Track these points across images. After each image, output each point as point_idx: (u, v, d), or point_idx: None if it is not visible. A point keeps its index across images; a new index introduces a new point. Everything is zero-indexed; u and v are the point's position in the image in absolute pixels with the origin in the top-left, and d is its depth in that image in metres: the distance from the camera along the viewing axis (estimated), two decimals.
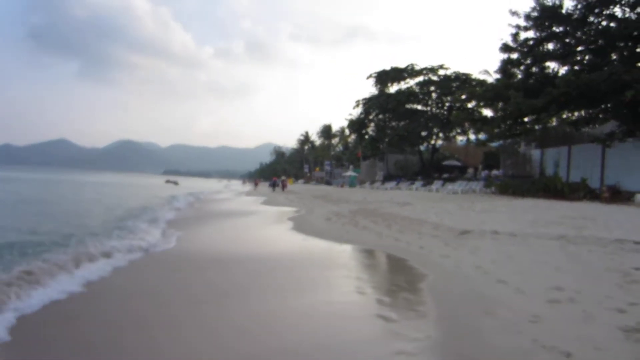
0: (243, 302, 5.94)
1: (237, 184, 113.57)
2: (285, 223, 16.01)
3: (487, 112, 31.66)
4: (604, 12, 22.05)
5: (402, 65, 47.86)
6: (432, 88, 46.64)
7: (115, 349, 4.36)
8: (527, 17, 24.08)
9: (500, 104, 26.09)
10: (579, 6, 22.44)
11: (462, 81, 44.41)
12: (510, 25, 25.10)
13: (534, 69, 25.27)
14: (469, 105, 41.07)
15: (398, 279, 7.39)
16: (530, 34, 24.74)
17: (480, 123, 30.25)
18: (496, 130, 26.86)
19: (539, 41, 24.47)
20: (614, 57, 21.93)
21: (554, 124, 26.77)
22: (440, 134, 48.01)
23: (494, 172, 34.73)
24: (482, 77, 34.44)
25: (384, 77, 48.70)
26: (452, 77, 45.57)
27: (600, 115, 22.57)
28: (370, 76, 49.78)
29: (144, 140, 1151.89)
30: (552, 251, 8.14)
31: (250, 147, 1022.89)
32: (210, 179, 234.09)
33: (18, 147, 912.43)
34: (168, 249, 10.23)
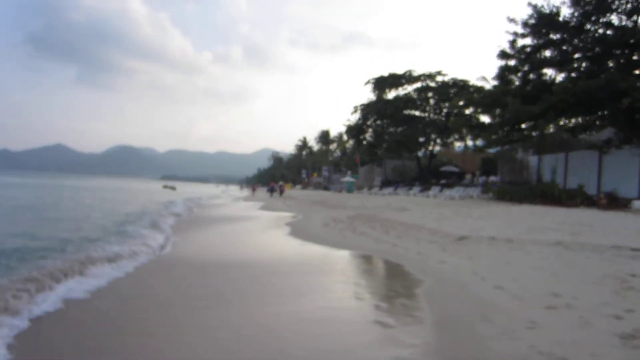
0: (240, 307, 5.93)
1: (234, 189, 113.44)
2: (283, 228, 16.00)
3: (485, 119, 31.75)
4: (601, 20, 22.17)
5: (400, 71, 47.99)
6: (430, 94, 46.76)
7: (122, 353, 4.36)
8: (525, 24, 24.20)
9: (497, 111, 26.15)
10: (576, 14, 22.56)
11: (460, 87, 44.55)
12: (507, 32, 25.23)
13: (531, 76, 25.36)
14: (467, 112, 41.15)
15: (395, 284, 7.39)
16: (528, 41, 24.87)
17: (478, 129, 30.32)
18: (494, 137, 26.91)
19: (536, 48, 24.58)
20: (611, 64, 22.03)
21: (552, 130, 26.83)
22: (438, 140, 48.10)
23: (492, 178, 34.76)
24: (479, 83, 34.60)
25: (381, 83, 48.81)
26: (450, 83, 45.72)
27: (598, 122, 22.64)
28: (368, 82, 49.91)
29: (142, 145, 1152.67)
30: (549, 257, 8.15)
31: (248, 153, 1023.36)
32: (208, 184, 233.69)
33: (15, 152, 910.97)
34: (169, 254, 10.21)
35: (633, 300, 5.35)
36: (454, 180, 41.57)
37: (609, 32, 21.84)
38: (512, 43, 25.23)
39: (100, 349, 4.45)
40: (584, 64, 23.12)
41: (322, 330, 5.02)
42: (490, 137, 27.25)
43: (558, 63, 23.61)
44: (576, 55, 23.49)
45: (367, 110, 49.69)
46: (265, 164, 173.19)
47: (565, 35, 23.35)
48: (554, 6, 23.19)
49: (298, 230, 15.04)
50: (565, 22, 22.91)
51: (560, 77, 24.09)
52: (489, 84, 27.92)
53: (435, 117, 46.99)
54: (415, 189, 40.16)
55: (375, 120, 49.75)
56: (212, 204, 36.95)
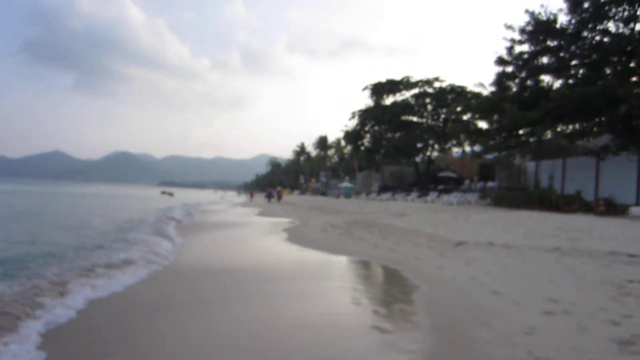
0: (239, 312, 5.92)
1: (232, 195, 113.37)
2: (282, 234, 15.99)
3: (483, 125, 31.87)
4: (598, 27, 22.31)
5: (397, 77, 48.23)
6: (428, 100, 46.95)
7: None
8: (522, 31, 24.34)
9: (495, 117, 26.25)
10: (573, 21, 22.71)
11: (458, 93, 44.74)
12: (505, 39, 25.36)
13: (528, 82, 25.48)
14: (465, 118, 41.30)
15: (393, 290, 7.38)
16: (525, 47, 25.01)
17: (476, 135, 30.43)
18: (491, 143, 27.00)
19: (534, 55, 24.71)
20: (608, 71, 22.15)
21: (549, 136, 26.93)
22: (436, 146, 48.23)
23: (489, 183, 34.85)
24: (477, 89, 34.75)
25: (379, 89, 48.99)
26: (448, 89, 45.91)
27: (595, 129, 22.72)
28: (366, 88, 50.09)
29: (140, 151, 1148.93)
30: (547, 263, 8.16)
31: (246, 159, 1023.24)
32: (206, 190, 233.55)
33: (13, 159, 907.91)
34: (174, 260, 10.17)
35: (630, 306, 5.36)
36: (451, 185, 41.64)
37: (606, 39, 21.97)
38: (510, 50, 25.37)
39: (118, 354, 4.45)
40: (581, 71, 23.25)
41: (321, 336, 5.01)
42: (488, 143, 27.34)
43: (555, 70, 23.73)
44: (573, 62, 23.63)
45: (365, 116, 49.82)
46: (263, 169, 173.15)
47: (562, 42, 23.49)
48: (551, 13, 23.37)
49: (296, 236, 15.03)
50: (563, 29, 23.05)
51: (557, 83, 24.23)
52: (487, 90, 28.07)
53: (433, 123, 47.14)
54: (413, 195, 40.20)
55: (373, 126, 49.88)
56: (211, 209, 36.89)
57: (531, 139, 25.47)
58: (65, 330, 5.11)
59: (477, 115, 32.19)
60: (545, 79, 24.96)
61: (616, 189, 20.41)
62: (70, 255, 9.70)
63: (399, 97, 48.60)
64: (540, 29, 23.68)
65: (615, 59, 21.75)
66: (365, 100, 75.53)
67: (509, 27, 24.74)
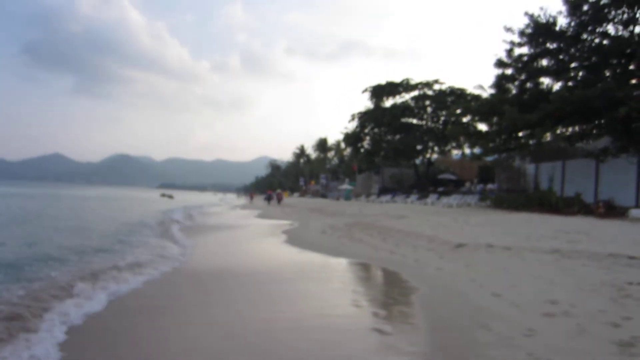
0: (240, 313, 5.93)
1: (232, 197, 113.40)
2: (282, 236, 15.99)
3: (482, 127, 31.85)
4: (597, 30, 22.32)
5: (397, 79, 48.20)
6: (427, 102, 46.94)
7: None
8: (522, 33, 24.35)
9: (495, 119, 26.26)
10: (573, 24, 22.72)
11: (457, 96, 44.75)
12: (504, 41, 25.38)
13: (528, 85, 25.48)
14: (464, 120, 41.31)
15: (393, 292, 7.39)
16: (525, 50, 25.01)
17: (475, 137, 30.41)
18: (491, 145, 27.00)
19: (533, 57, 24.72)
20: (608, 73, 22.16)
21: (549, 139, 26.93)
22: (436, 148, 48.21)
23: (489, 186, 34.84)
24: (476, 92, 34.76)
25: (379, 91, 48.98)
26: (447, 91, 45.93)
27: (594, 131, 22.72)
28: (365, 90, 50.08)
29: (139, 154, 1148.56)
30: (547, 265, 8.16)
31: (246, 161, 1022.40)
32: (206, 192, 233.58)
33: (12, 162, 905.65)
34: (176, 262, 10.17)
35: (630, 308, 5.36)
36: (451, 188, 41.63)
37: (605, 42, 21.98)
38: (509, 52, 25.38)
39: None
40: (580, 73, 23.25)
41: (321, 337, 5.01)
42: (488, 145, 27.33)
43: (555, 72, 23.74)
44: (573, 65, 23.63)
45: (364, 118, 49.83)
46: (263, 172, 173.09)
47: (562, 45, 23.51)
48: (550, 16, 23.38)
49: (296, 238, 15.03)
50: (562, 32, 23.07)
51: (557, 86, 24.21)
52: (486, 92, 28.06)
53: (433, 125, 47.14)
54: (413, 197, 40.19)
55: (372, 128, 49.88)
56: (211, 212, 36.91)
57: (531, 141, 25.47)
58: (81, 331, 5.15)
59: (476, 118, 32.19)
60: (545, 81, 24.97)
61: (616, 191, 20.41)
62: (75, 258, 9.75)
63: (398, 99, 48.60)
64: (539, 32, 23.70)
65: (614, 61, 21.77)
66: (365, 103, 75.70)
67: (509, 30, 24.77)
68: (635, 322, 4.84)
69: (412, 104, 47.47)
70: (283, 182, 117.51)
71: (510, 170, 31.89)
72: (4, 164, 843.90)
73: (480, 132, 30.82)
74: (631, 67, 21.34)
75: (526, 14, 23.98)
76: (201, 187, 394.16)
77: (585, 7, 21.81)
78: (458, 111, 40.71)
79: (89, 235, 14.82)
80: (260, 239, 15.88)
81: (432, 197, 36.13)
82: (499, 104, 24.45)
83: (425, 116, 47.66)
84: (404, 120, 47.62)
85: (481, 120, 30.24)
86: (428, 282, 7.63)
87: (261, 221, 24.75)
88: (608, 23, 21.91)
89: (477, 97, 36.30)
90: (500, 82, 26.29)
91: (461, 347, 4.59)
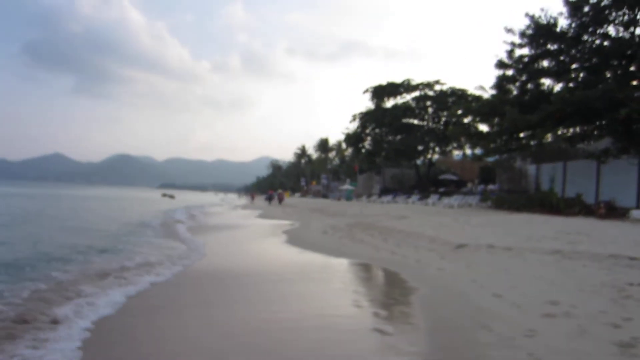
0: (241, 313, 5.95)
1: (233, 198, 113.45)
2: (283, 236, 16.01)
3: (483, 127, 31.83)
4: (598, 31, 22.31)
5: (398, 80, 48.22)
6: (428, 103, 46.98)
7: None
8: (522, 34, 24.35)
9: (496, 119, 26.26)
10: (573, 25, 22.72)
11: (458, 96, 44.78)
12: (505, 42, 25.38)
13: (529, 86, 25.48)
14: (465, 120, 41.32)
15: (394, 292, 7.40)
16: (525, 51, 25.01)
17: (476, 138, 30.40)
18: (492, 145, 27.00)
19: (534, 58, 24.72)
20: (608, 75, 22.15)
21: (550, 139, 26.93)
22: (437, 149, 48.25)
23: (490, 186, 34.82)
24: (477, 92, 34.73)
25: (380, 92, 49.01)
26: (448, 92, 45.95)
27: (595, 132, 22.72)
28: (366, 91, 50.11)
29: (140, 154, 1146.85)
30: (548, 266, 8.17)
31: (247, 161, 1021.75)
32: (207, 192, 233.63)
33: (13, 162, 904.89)
34: (180, 263, 10.20)
35: (631, 308, 5.37)
36: (452, 188, 41.63)
37: (606, 43, 21.98)
38: (510, 53, 25.39)
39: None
40: (581, 75, 23.25)
41: (321, 337, 5.03)
42: (489, 146, 27.34)
43: (555, 73, 23.74)
44: (574, 66, 23.63)
45: (365, 118, 49.86)
46: (264, 172, 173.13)
47: (562, 46, 23.50)
48: (551, 17, 23.38)
49: (297, 238, 15.05)
50: (563, 33, 23.07)
51: (558, 87, 24.21)
52: (487, 93, 28.07)
53: (434, 125, 47.17)
54: (414, 197, 40.19)
55: (373, 129, 49.92)
56: (212, 212, 36.95)
57: (532, 142, 25.47)
58: (99, 330, 5.15)
59: (477, 118, 32.18)
60: (546, 82, 24.97)
61: (617, 192, 20.40)
62: (81, 258, 9.86)
63: (399, 99, 48.65)
64: (540, 33, 23.70)
65: (615, 62, 21.76)
66: (366, 103, 75.67)
67: (510, 31, 24.78)
68: (635, 323, 4.85)
69: (413, 104, 47.50)
70: (284, 183, 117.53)
71: (511, 171, 31.89)
72: (5, 163, 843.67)
73: (481, 132, 30.80)
74: (632, 68, 21.34)
75: (527, 15, 23.99)
76: (202, 187, 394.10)
77: (586, 9, 21.82)
78: (459, 112, 40.72)
79: (93, 235, 14.93)
80: (261, 239, 15.90)
81: (433, 198, 36.13)
82: (500, 105, 24.46)
83: (426, 117, 47.69)
84: (405, 120, 47.66)
85: (482, 121, 30.23)
86: (429, 283, 7.65)
87: (262, 221, 24.78)
88: (609, 24, 21.91)
89: (478, 98, 36.28)
90: (501, 83, 26.30)
91: (462, 348, 4.60)
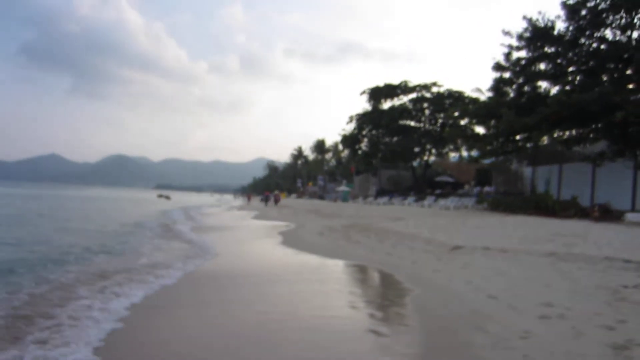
0: (237, 314, 5.94)
1: (229, 198, 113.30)
2: (277, 238, 15.99)
3: (480, 130, 31.91)
4: (595, 35, 22.39)
5: (395, 82, 48.27)
6: (425, 105, 47.04)
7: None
8: (520, 37, 24.41)
9: (492, 122, 26.30)
10: (571, 28, 22.79)
11: (455, 98, 44.85)
12: (502, 44, 25.42)
13: (525, 88, 25.54)
14: (462, 123, 41.42)
15: (390, 293, 7.40)
16: (523, 53, 25.06)
17: (473, 140, 30.47)
18: (488, 148, 27.06)
19: (531, 61, 24.78)
20: (605, 78, 22.23)
21: (546, 142, 27.01)
22: (433, 150, 48.29)
23: (486, 188, 34.88)
24: (474, 95, 34.82)
25: (377, 94, 49.05)
26: (445, 94, 46.01)
27: (591, 135, 22.79)
28: (363, 92, 50.13)
29: (137, 154, 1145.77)
30: (543, 268, 8.18)
31: (244, 162, 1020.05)
32: (203, 193, 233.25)
33: (9, 163, 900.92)
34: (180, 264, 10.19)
35: (625, 311, 5.38)
36: (448, 190, 41.67)
37: (603, 46, 22.06)
38: (507, 55, 25.44)
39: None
40: (578, 78, 23.32)
41: (317, 338, 5.02)
42: (485, 148, 27.40)
43: (552, 76, 23.80)
44: (570, 69, 23.70)
45: (362, 120, 49.89)
46: (261, 173, 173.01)
47: (559, 49, 23.57)
48: (548, 20, 23.44)
49: (293, 240, 15.04)
50: (560, 36, 23.13)
51: (554, 89, 24.27)
52: (484, 95, 28.12)
53: (431, 127, 47.24)
54: (410, 199, 40.20)
55: (370, 130, 49.94)
56: (208, 212, 36.91)
57: (528, 145, 25.54)
58: (115, 335, 5.12)
59: (474, 121, 32.27)
60: (543, 85, 25.03)
61: (612, 195, 20.47)
62: (79, 258, 9.94)
63: (396, 101, 48.69)
64: (537, 36, 23.76)
65: (612, 66, 21.83)
66: (363, 105, 75.71)
67: (507, 34, 24.83)
68: (630, 325, 4.86)
69: (410, 106, 47.56)
70: (280, 184, 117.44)
71: (507, 173, 31.99)
72: (1, 164, 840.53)
73: (477, 134, 30.87)
74: (628, 71, 21.41)
75: (524, 17, 24.05)
76: (198, 188, 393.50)
77: (584, 12, 21.89)
78: (456, 114, 40.81)
79: (93, 235, 14.94)
80: (256, 240, 15.88)
81: (429, 200, 36.15)
82: (496, 107, 24.50)
83: (423, 118, 47.76)
84: (401, 122, 47.71)
85: (479, 123, 30.31)
86: (424, 284, 7.65)
87: (258, 222, 24.74)
88: (606, 28, 21.99)
89: (475, 100, 36.40)
90: (498, 86, 26.35)
91: (457, 349, 4.60)
